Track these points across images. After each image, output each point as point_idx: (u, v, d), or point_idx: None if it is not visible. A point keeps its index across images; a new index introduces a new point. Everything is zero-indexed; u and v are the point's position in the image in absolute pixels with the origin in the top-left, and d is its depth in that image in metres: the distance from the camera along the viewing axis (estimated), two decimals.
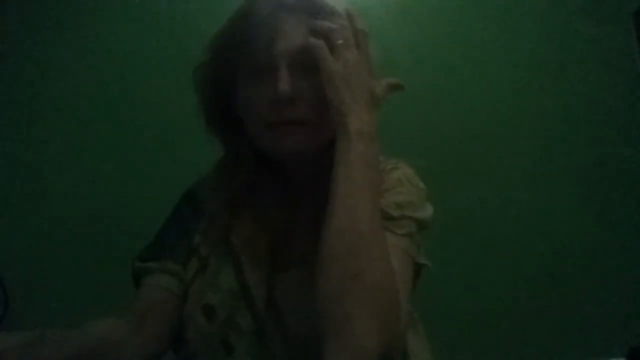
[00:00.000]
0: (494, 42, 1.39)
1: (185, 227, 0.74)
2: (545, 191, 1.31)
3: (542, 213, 1.30)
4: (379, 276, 0.55)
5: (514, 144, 1.34)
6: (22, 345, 0.54)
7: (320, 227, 0.59)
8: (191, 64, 1.21)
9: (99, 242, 1.25)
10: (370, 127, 0.59)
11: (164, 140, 1.30)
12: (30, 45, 1.35)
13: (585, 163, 1.33)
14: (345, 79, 0.59)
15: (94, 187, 1.29)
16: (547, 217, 1.30)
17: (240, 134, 0.69)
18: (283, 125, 0.62)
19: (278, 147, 0.64)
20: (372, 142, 0.59)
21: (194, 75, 0.70)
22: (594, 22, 1.38)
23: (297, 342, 0.65)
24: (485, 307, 1.24)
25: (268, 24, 0.62)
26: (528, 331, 1.23)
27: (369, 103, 0.60)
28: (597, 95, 1.36)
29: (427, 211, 0.71)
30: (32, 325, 1.18)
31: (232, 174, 0.70)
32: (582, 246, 1.28)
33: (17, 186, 1.28)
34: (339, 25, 0.61)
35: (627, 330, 1.19)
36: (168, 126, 1.31)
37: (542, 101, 1.36)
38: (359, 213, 0.56)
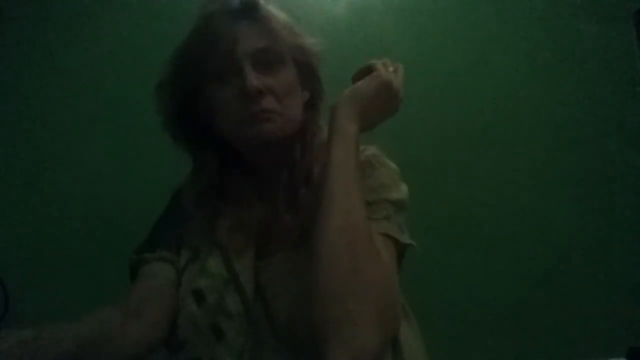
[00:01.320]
0: (493, 42, 1.39)
1: (176, 222, 0.78)
2: (545, 191, 1.31)
3: (542, 213, 1.30)
4: (377, 273, 0.56)
5: (513, 144, 1.34)
6: (19, 344, 0.55)
7: (296, 213, 0.66)
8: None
9: (99, 242, 1.25)
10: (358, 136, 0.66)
11: (163, 140, 1.30)
12: (30, 45, 1.35)
13: (585, 163, 1.33)
14: (368, 98, 0.68)
15: (94, 188, 1.29)
16: (547, 217, 1.30)
17: (204, 141, 0.75)
18: (259, 116, 0.68)
19: (254, 135, 0.68)
20: (358, 148, 0.66)
21: (156, 93, 0.77)
22: (594, 22, 1.38)
23: (283, 326, 0.66)
24: (485, 307, 1.24)
25: (225, 31, 0.68)
26: (528, 331, 1.23)
27: (362, 118, 0.67)
28: (597, 95, 1.36)
29: (402, 191, 0.73)
30: (32, 325, 1.19)
31: (199, 178, 0.76)
32: (582, 246, 1.28)
33: (17, 186, 1.28)
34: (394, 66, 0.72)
35: (627, 330, 1.19)
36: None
37: (542, 101, 1.36)
38: (355, 212, 0.59)
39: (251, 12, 0.70)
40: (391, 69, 0.73)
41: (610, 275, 1.26)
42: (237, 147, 0.74)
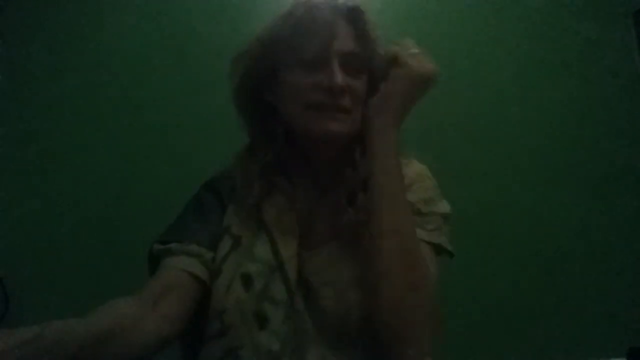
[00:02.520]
0: (494, 42, 1.39)
1: (207, 214, 0.76)
2: (545, 191, 1.31)
3: (542, 213, 1.30)
4: (429, 287, 0.64)
5: (514, 143, 1.34)
6: (21, 344, 0.53)
7: (342, 209, 0.71)
8: (191, 65, 1.22)
9: (99, 242, 1.25)
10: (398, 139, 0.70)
11: (164, 140, 1.30)
12: (30, 45, 1.35)
13: (585, 163, 1.33)
14: (398, 99, 0.70)
15: (94, 187, 1.29)
16: (547, 217, 1.30)
17: (273, 117, 0.75)
18: (332, 111, 0.70)
19: (323, 128, 0.70)
20: (399, 151, 0.70)
21: (235, 61, 0.76)
22: (594, 22, 1.38)
23: (327, 316, 0.68)
24: (485, 307, 1.24)
25: (327, 24, 0.71)
26: (528, 331, 1.23)
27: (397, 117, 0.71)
28: (597, 95, 1.36)
29: (447, 206, 0.78)
30: (32, 325, 1.19)
31: (263, 152, 0.75)
32: (582, 246, 1.28)
33: (17, 186, 1.28)
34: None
35: (627, 330, 1.19)
36: (168, 127, 1.31)
37: (542, 101, 1.36)
38: (408, 230, 0.66)
39: (353, 16, 0.73)
40: (414, 50, 0.74)
41: (610, 275, 1.26)
42: (297, 135, 0.75)
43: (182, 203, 0.93)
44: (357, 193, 0.73)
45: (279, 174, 0.76)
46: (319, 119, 0.70)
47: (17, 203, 1.28)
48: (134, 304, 0.65)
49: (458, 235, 1.26)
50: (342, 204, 0.73)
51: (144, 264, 0.77)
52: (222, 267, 0.71)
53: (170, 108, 1.31)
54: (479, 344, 1.22)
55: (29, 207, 1.27)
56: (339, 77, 0.68)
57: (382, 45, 0.75)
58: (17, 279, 1.21)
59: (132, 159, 1.30)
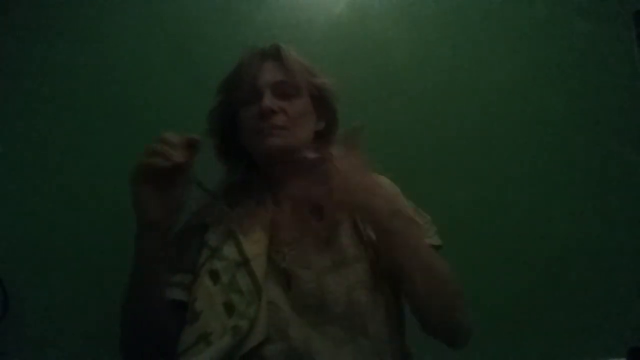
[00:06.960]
0: (493, 42, 1.39)
1: (189, 240, 0.89)
2: (545, 191, 1.31)
3: (541, 213, 1.30)
4: (452, 282, 0.91)
5: (513, 144, 1.34)
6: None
7: (309, 219, 0.85)
8: (191, 65, 1.22)
9: (99, 242, 1.25)
10: None
11: None
12: (30, 45, 1.35)
13: (585, 163, 1.33)
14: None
15: (94, 187, 1.28)
16: (547, 217, 1.30)
17: (239, 154, 0.95)
18: (268, 129, 0.86)
19: (265, 145, 0.87)
20: None
21: (209, 118, 0.97)
22: (594, 22, 1.38)
23: (308, 296, 0.78)
24: (485, 307, 1.24)
25: (252, 68, 0.91)
26: (528, 331, 1.23)
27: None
28: (597, 95, 1.36)
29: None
30: (32, 325, 1.19)
31: (229, 177, 0.94)
32: (582, 246, 1.28)
33: (17, 186, 1.28)
34: None
35: (627, 330, 1.19)
36: (168, 127, 1.31)
37: (542, 101, 1.36)
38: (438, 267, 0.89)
39: (275, 55, 0.92)
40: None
41: (610, 275, 1.26)
42: (256, 157, 0.92)
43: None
44: (322, 205, 0.85)
45: (242, 192, 0.92)
46: (261, 140, 0.87)
47: (17, 203, 1.28)
48: None
49: (457, 235, 1.27)
50: (308, 217, 0.86)
51: None
52: (199, 272, 0.82)
53: (170, 108, 1.31)
54: (478, 344, 1.22)
55: (29, 208, 1.27)
56: (267, 102, 0.86)
57: (315, 72, 0.93)
58: (17, 279, 1.20)
59: (133, 159, 1.30)
